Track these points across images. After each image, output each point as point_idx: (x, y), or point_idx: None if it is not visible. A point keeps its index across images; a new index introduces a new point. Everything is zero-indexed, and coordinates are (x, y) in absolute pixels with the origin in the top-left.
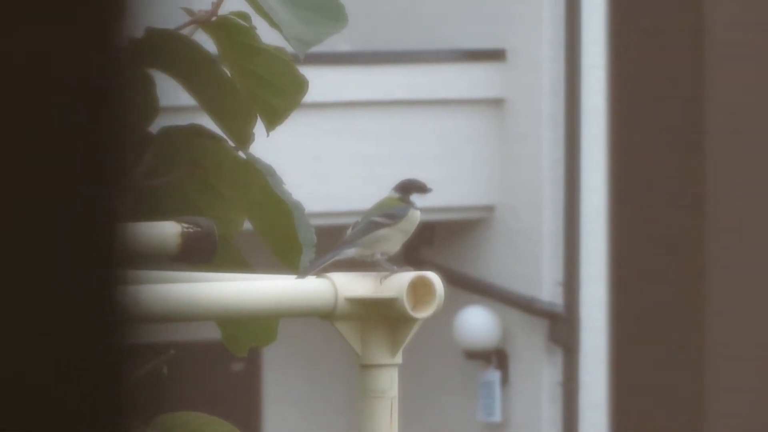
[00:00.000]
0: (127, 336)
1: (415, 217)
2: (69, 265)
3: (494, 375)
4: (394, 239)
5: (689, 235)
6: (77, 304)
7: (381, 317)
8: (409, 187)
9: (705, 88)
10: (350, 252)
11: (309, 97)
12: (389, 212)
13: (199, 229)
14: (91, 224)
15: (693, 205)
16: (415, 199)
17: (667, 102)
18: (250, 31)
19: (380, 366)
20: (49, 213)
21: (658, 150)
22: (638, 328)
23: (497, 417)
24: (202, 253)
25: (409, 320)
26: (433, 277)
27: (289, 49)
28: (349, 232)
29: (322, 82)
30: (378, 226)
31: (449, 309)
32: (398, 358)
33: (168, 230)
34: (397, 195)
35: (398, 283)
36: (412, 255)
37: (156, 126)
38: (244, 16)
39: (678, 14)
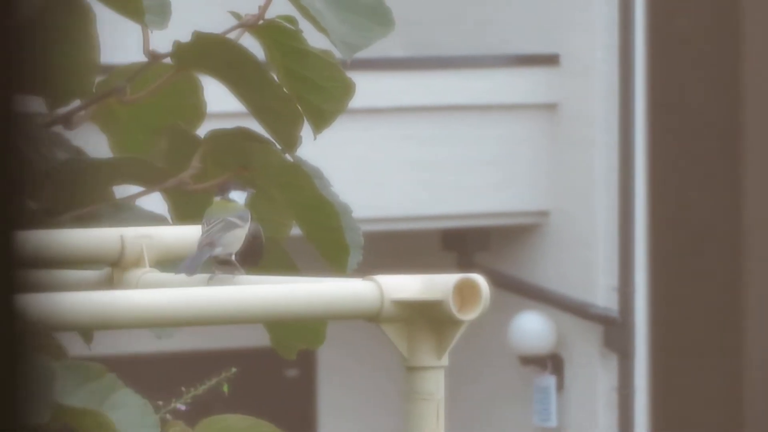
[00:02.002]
0: (27, 344)
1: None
2: None
3: (549, 380)
4: (242, 240)
5: (728, 237)
6: None
7: (427, 319)
8: (228, 187)
9: (743, 89)
10: (217, 251)
11: (362, 102)
12: (240, 214)
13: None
14: None
15: (732, 209)
16: (236, 196)
17: (706, 105)
18: (296, 35)
19: (427, 368)
20: None
21: (698, 154)
22: (680, 331)
23: (553, 422)
24: (249, 256)
25: (455, 322)
26: (479, 279)
27: (336, 53)
28: (204, 230)
29: (375, 88)
30: (235, 226)
31: (504, 314)
32: (444, 361)
33: None
34: (220, 198)
35: (444, 285)
36: (466, 260)
37: (204, 129)
38: (290, 19)
39: (716, 17)
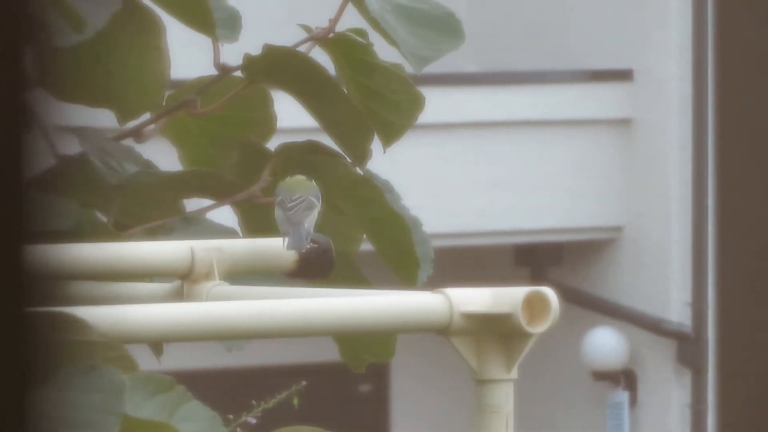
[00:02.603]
0: (36, 356)
1: None
2: None
3: (623, 396)
4: (316, 218)
5: None
6: None
7: (496, 332)
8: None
9: None
10: (305, 228)
11: (436, 117)
12: (314, 193)
13: (316, 245)
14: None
15: None
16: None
17: None
18: (367, 48)
19: (496, 381)
20: None
21: (764, 166)
22: (752, 347)
23: None
24: (319, 269)
25: (524, 335)
26: (549, 292)
27: (407, 66)
28: (289, 207)
29: (449, 103)
30: (314, 206)
31: (577, 330)
32: (514, 374)
33: None
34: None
35: (513, 298)
36: (539, 274)
37: (274, 144)
38: (361, 32)
39: None
